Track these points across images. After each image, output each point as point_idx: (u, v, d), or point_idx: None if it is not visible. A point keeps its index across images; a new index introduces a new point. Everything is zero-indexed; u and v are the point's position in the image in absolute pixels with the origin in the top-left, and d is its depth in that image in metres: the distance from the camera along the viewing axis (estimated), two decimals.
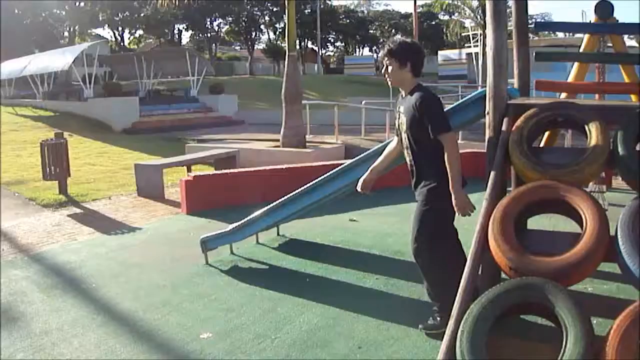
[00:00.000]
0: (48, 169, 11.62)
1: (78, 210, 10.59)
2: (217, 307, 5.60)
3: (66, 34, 71.21)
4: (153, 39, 76.65)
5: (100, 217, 10.04)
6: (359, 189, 5.44)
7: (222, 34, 79.59)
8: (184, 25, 75.02)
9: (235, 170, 11.41)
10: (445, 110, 5.04)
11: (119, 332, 5.17)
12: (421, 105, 4.68)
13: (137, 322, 5.38)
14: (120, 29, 73.44)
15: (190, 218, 9.56)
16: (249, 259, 7.10)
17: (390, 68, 4.92)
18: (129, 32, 77.03)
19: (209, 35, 75.73)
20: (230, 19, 74.02)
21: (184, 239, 8.17)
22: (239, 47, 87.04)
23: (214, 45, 77.48)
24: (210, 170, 12.74)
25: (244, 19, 73.89)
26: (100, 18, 68.92)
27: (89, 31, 71.67)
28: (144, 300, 5.89)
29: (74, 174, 12.64)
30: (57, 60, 33.33)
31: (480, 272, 4.23)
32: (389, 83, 5.09)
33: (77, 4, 66.62)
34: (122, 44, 74.51)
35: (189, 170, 12.32)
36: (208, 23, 73.79)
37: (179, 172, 13.03)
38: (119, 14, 69.05)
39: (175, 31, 77.43)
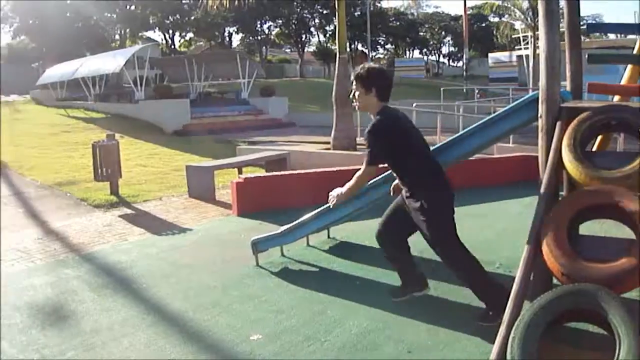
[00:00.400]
0: (100, 170, 11.76)
1: (129, 211, 10.71)
2: (267, 309, 5.61)
3: (117, 36, 72.19)
4: (203, 41, 77.18)
5: (151, 218, 10.15)
6: (391, 193, 5.92)
7: (272, 37, 79.86)
8: (235, 28, 75.45)
9: (286, 173, 11.42)
10: (379, 144, 5.13)
11: (169, 333, 5.21)
12: (365, 134, 5.13)
13: (187, 322, 5.42)
14: (170, 31, 74.04)
15: (241, 220, 9.60)
16: (299, 261, 7.09)
17: (357, 93, 5.24)
18: (180, 35, 77.69)
19: (259, 37, 76.04)
20: (280, 21, 74.34)
21: (234, 240, 8.21)
22: (289, 50, 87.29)
23: (264, 47, 77.75)
24: (261, 173, 12.77)
25: (294, 21, 74.12)
26: (151, 21, 69.69)
27: (140, 34, 72.42)
28: (194, 301, 5.93)
29: (125, 175, 12.78)
30: (109, 62, 33.73)
31: (532, 278, 4.20)
32: (357, 107, 5.39)
33: (128, 7, 67.29)
34: (172, 46, 75.12)
35: (239, 172, 12.38)
36: (258, 26, 74.08)
37: (230, 174, 13.11)
38: (170, 17, 69.68)
39: (226, 34, 77.88)
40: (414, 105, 19.76)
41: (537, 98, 5.13)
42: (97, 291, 6.39)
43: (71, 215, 10.68)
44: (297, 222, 7.00)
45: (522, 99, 5.68)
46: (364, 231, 8.07)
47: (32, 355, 4.88)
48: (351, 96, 5.37)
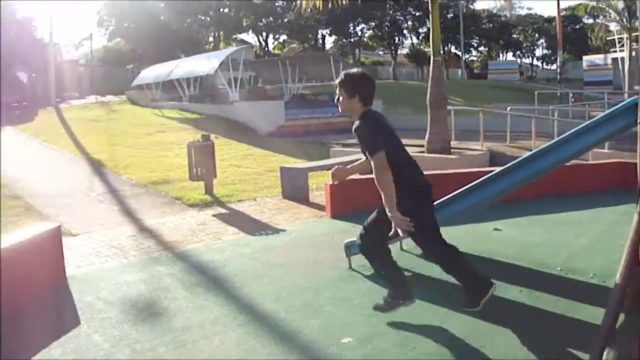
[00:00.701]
0: (194, 170, 11.93)
1: (223, 211, 10.81)
2: (359, 312, 5.54)
3: (211, 39, 73.15)
4: (297, 43, 77.66)
5: (245, 218, 10.22)
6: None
7: (365, 39, 79.88)
8: (328, 30, 75.70)
9: None
10: (378, 132, 5.17)
11: (260, 333, 5.20)
12: (355, 131, 5.17)
13: (278, 323, 5.39)
14: (264, 34, 74.76)
15: (334, 222, 9.58)
16: None
17: (341, 98, 5.31)
18: (273, 37, 78.36)
19: (352, 40, 76.15)
20: (373, 23, 74.32)
21: (327, 242, 8.18)
22: (381, 52, 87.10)
23: (357, 49, 77.81)
24: (355, 175, 12.70)
25: (386, 23, 74.08)
26: (244, 23, 70.52)
27: (234, 36, 73.30)
28: (286, 302, 5.91)
29: (219, 175, 12.90)
30: (203, 64, 34.24)
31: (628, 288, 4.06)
32: (339, 109, 5.44)
33: (221, 9, 68.20)
34: (266, 48, 75.83)
35: None
36: (351, 28, 74.23)
37: (323, 175, 13.08)
38: (263, 19, 70.39)
39: (319, 36, 78.22)
40: (508, 109, 19.39)
41: (636, 104, 4.96)
42: (190, 289, 6.44)
43: (165, 213, 10.84)
44: None
45: (620, 104, 5.52)
46: (458, 236, 7.91)
47: (123, 350, 4.94)
48: (335, 100, 5.44)
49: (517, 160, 6.63)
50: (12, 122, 31.04)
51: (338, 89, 5.33)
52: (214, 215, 10.45)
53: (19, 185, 14.46)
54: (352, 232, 7.97)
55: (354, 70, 5.43)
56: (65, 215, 10.67)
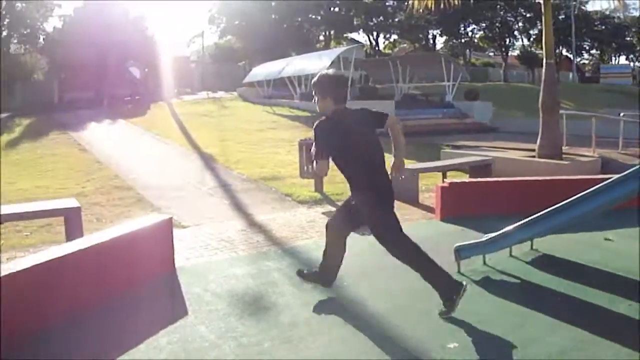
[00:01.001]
0: (305, 167, 12.03)
1: (332, 209, 10.74)
2: (466, 317, 5.43)
3: (321, 37, 73.71)
4: (407, 43, 77.42)
5: None
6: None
7: (475, 40, 78.96)
8: (438, 30, 75.17)
9: (491, 179, 11.16)
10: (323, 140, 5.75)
11: (366, 333, 5.16)
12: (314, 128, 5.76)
13: (384, 324, 5.36)
14: (374, 33, 74.81)
15: (444, 224, 9.46)
16: (500, 272, 6.86)
17: (315, 98, 5.81)
18: (384, 37, 78.32)
19: (462, 40, 75.40)
20: (483, 24, 73.35)
21: (436, 244, 7.97)
22: (492, 53, 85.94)
23: (467, 50, 77.02)
24: (465, 177, 12.59)
25: (497, 24, 73.01)
26: (355, 22, 70.76)
27: (344, 35, 73.67)
28: (393, 303, 5.88)
29: (329, 173, 12.86)
30: (314, 63, 34.54)
31: None
32: (318, 110, 5.88)
33: (332, 9, 68.63)
34: (376, 47, 75.86)
35: (444, 176, 12.29)
36: (462, 28, 73.50)
37: (432, 177, 12.99)
38: (373, 19, 70.48)
39: (429, 36, 77.74)
40: (622, 114, 18.69)
41: None
42: (297, 285, 6.44)
43: (275, 209, 10.94)
44: (501, 231, 6.82)
45: None
46: (569, 245, 7.76)
47: (229, 342, 5.00)
48: (313, 101, 5.93)
49: (634, 168, 6.40)
50: (125, 115, 31.95)
51: (313, 90, 5.84)
52: (323, 213, 10.47)
53: (131, 177, 14.85)
54: (461, 235, 7.94)
55: (325, 72, 5.96)
56: (175, 208, 10.90)
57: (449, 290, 5.48)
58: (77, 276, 5.67)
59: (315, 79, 5.83)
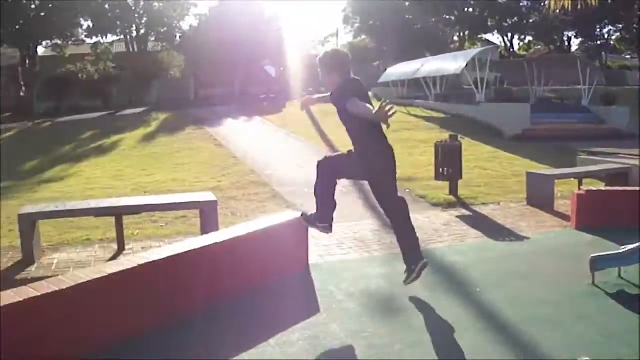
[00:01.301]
0: (441, 170, 11.94)
1: (467, 213, 10.71)
2: (599, 332, 5.23)
3: (455, 38, 73.34)
4: (542, 45, 75.80)
5: (488, 222, 10.05)
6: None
7: (612, 42, 76.45)
8: (573, 32, 73.20)
9: (629, 189, 10.70)
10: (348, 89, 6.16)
11: (498, 341, 5.05)
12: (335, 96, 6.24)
13: (516, 333, 5.23)
14: (509, 34, 73.73)
15: (579, 233, 9.15)
16: (637, 286, 6.53)
17: (322, 74, 6.28)
18: (518, 38, 77.05)
19: (598, 42, 73.16)
20: (620, 25, 70.90)
21: (571, 254, 7.83)
22: (629, 56, 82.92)
23: (602, 53, 74.68)
24: (601, 186, 12.16)
25: (634, 25, 70.33)
26: (489, 23, 69.97)
27: (478, 36, 73.01)
28: (526, 313, 5.72)
29: (464, 176, 12.76)
30: (449, 64, 34.36)
31: None
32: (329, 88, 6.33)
33: (466, 9, 68.13)
34: (511, 49, 74.72)
35: (580, 183, 11.99)
36: (598, 30, 71.33)
37: (567, 184, 12.65)
38: (508, 20, 69.49)
39: (564, 38, 75.83)
40: None
41: None
42: (430, 289, 6.38)
43: (410, 211, 10.82)
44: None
45: None
46: None
47: (359, 342, 4.99)
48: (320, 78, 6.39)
49: None
50: (261, 113, 32.47)
51: (319, 68, 6.29)
52: (457, 217, 10.36)
53: (267, 172, 15.08)
54: (597, 246, 7.67)
55: (327, 50, 6.57)
56: (309, 205, 10.91)
57: (412, 259, 6.08)
58: (212, 268, 5.83)
59: (319, 57, 6.35)
